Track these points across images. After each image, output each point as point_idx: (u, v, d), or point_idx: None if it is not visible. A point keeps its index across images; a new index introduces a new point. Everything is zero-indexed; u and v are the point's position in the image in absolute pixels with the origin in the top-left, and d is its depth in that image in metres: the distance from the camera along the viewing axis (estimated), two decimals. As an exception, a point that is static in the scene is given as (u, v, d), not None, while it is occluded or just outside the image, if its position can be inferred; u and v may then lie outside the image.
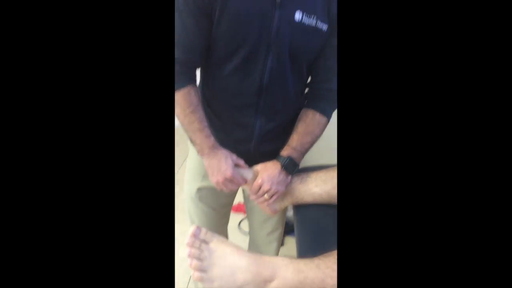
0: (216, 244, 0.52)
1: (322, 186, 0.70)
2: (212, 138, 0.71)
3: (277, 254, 1.02)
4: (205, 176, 0.85)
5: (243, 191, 0.96)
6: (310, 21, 0.65)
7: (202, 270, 0.49)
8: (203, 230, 0.53)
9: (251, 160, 0.75)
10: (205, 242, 0.51)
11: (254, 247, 1.04)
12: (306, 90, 0.79)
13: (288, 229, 1.42)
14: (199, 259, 0.50)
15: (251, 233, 1.03)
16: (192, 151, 0.88)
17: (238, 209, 1.62)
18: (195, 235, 0.51)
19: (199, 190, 0.87)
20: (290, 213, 1.34)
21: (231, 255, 0.50)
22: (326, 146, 0.93)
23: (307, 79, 0.77)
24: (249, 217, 1.00)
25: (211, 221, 0.93)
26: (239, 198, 1.01)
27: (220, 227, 0.97)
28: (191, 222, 0.94)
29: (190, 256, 0.50)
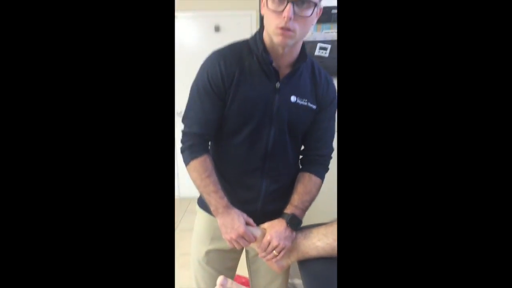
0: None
1: (324, 240, 0.78)
2: (225, 199, 0.80)
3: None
4: (213, 239, 0.91)
5: (246, 253, 1.00)
6: (303, 102, 0.82)
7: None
8: (229, 280, 0.58)
9: (258, 219, 0.83)
10: (229, 285, 0.57)
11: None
12: (301, 156, 0.93)
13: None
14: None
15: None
16: (199, 217, 0.95)
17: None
18: (222, 285, 0.57)
19: (207, 253, 0.91)
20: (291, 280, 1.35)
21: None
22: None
23: (302, 147, 0.92)
24: (253, 280, 1.02)
25: (217, 286, 0.95)
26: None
27: None
28: (197, 287, 0.95)
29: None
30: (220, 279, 0.58)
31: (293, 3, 0.66)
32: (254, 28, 2.64)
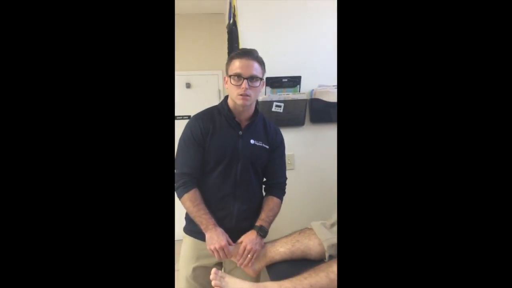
0: (229, 278, 0.82)
1: (285, 246, 1.06)
2: (213, 219, 1.06)
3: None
4: (198, 257, 1.14)
5: (223, 269, 1.22)
6: (259, 143, 1.14)
7: (222, 292, 0.78)
8: (219, 271, 0.83)
9: (233, 235, 1.09)
10: (222, 277, 0.81)
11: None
12: (264, 186, 1.23)
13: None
14: (219, 285, 0.79)
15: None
16: (185, 242, 1.18)
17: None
18: (216, 273, 0.82)
19: (194, 269, 1.13)
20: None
21: (239, 283, 0.80)
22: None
23: (263, 178, 1.22)
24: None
25: (202, 299, 1.15)
26: None
27: None
28: (187, 302, 1.15)
29: (214, 284, 0.79)
30: (214, 269, 0.83)
31: (247, 79, 1.03)
32: (220, 85, 3.05)
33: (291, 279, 0.84)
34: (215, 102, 3.15)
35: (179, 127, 2.65)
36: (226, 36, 2.46)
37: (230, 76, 1.06)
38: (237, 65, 1.04)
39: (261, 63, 1.09)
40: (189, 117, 3.00)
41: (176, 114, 2.98)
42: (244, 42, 1.63)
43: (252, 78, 1.04)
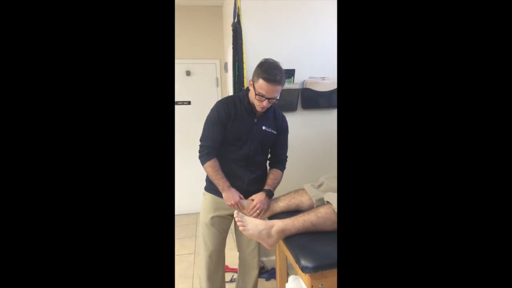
0: (246, 217, 1.15)
1: (284, 202, 1.40)
2: (228, 182, 1.38)
3: (258, 267, 1.57)
4: (215, 209, 1.47)
5: (234, 221, 1.56)
6: (269, 129, 1.46)
7: (243, 225, 1.12)
8: (240, 213, 1.16)
9: (243, 195, 1.42)
10: (242, 216, 1.15)
11: (242, 264, 1.59)
12: (269, 162, 1.56)
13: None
14: (241, 221, 1.13)
15: (240, 252, 1.59)
16: (206, 197, 1.50)
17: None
18: (238, 213, 1.15)
19: (212, 218, 1.47)
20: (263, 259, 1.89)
21: (253, 220, 1.14)
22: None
23: (268, 155, 1.55)
24: (238, 239, 1.57)
25: (217, 241, 1.50)
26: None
27: (221, 247, 1.53)
28: (204, 243, 1.49)
29: (237, 219, 1.13)
30: (236, 211, 1.16)
31: (268, 99, 1.31)
32: (218, 73, 3.31)
33: (290, 217, 1.18)
34: (213, 89, 3.45)
35: (179, 112, 3.11)
36: (223, 28, 2.72)
37: (255, 92, 1.29)
38: (262, 87, 1.26)
39: (283, 83, 1.30)
40: (189, 102, 3.26)
41: (176, 99, 3.24)
42: (247, 39, 1.92)
43: (272, 99, 1.30)
